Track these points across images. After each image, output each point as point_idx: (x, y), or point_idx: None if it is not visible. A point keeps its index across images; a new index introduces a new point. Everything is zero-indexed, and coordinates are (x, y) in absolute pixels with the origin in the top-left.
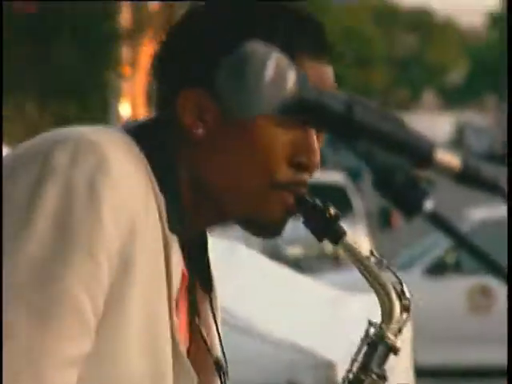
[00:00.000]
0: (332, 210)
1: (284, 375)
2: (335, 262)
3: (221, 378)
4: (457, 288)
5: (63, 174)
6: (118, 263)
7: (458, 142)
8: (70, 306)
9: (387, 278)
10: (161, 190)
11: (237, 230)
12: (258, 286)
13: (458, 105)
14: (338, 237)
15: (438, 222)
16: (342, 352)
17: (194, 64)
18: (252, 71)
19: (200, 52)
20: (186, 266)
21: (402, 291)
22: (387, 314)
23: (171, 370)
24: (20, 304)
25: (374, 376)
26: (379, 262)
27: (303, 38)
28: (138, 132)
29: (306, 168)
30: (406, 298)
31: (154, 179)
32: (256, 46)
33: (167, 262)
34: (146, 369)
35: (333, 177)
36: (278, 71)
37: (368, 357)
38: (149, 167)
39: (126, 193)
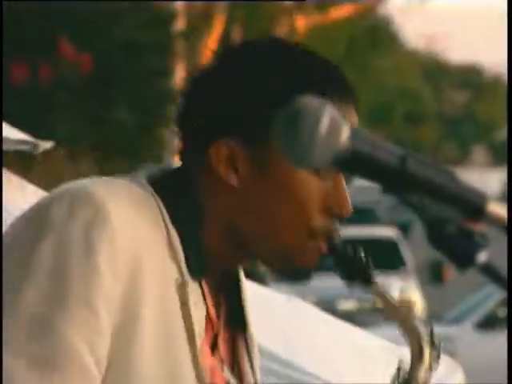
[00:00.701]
0: (363, 257)
1: None
2: None
3: None
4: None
5: (60, 228)
6: (122, 311)
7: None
8: (69, 357)
9: (419, 325)
10: (181, 235)
11: (289, 286)
12: (315, 337)
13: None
14: (367, 280)
15: (492, 273)
16: None
17: (225, 114)
18: (307, 125)
19: (231, 102)
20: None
21: (432, 340)
22: (416, 359)
23: None
24: (20, 357)
25: None
26: (411, 311)
27: (334, 84)
28: (161, 180)
29: (340, 217)
30: (436, 348)
31: (168, 221)
32: (310, 100)
33: (184, 303)
34: None
35: (385, 232)
36: (332, 124)
37: None
38: (164, 212)
39: (124, 241)
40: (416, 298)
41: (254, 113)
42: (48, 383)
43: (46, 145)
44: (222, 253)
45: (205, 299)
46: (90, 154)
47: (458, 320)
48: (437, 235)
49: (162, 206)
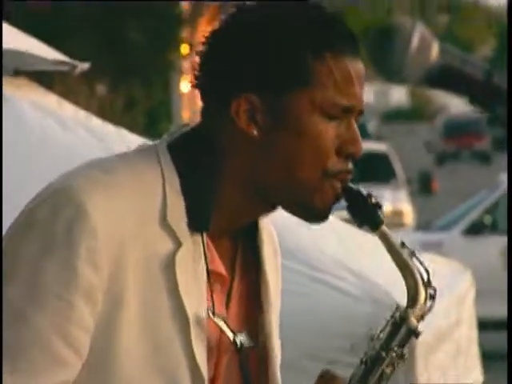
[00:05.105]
0: (373, 199)
1: (364, 327)
2: None
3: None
4: (493, 246)
5: (43, 227)
6: (107, 299)
7: None
8: (38, 346)
9: (416, 268)
10: (188, 192)
11: None
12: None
13: None
14: (376, 224)
15: None
16: None
17: (245, 71)
18: (399, 42)
19: (249, 58)
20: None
21: (429, 281)
22: (413, 299)
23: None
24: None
25: (394, 354)
26: (411, 253)
27: (343, 37)
28: (181, 144)
29: (353, 157)
30: (432, 288)
31: (169, 189)
32: (403, 20)
33: (174, 288)
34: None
35: (377, 146)
36: (422, 41)
37: (391, 336)
38: (167, 180)
39: (106, 233)
40: (407, 208)
41: (270, 68)
42: (15, 371)
43: (84, 65)
44: (241, 207)
45: (205, 254)
46: (105, 76)
47: (446, 227)
48: None
49: (167, 174)
